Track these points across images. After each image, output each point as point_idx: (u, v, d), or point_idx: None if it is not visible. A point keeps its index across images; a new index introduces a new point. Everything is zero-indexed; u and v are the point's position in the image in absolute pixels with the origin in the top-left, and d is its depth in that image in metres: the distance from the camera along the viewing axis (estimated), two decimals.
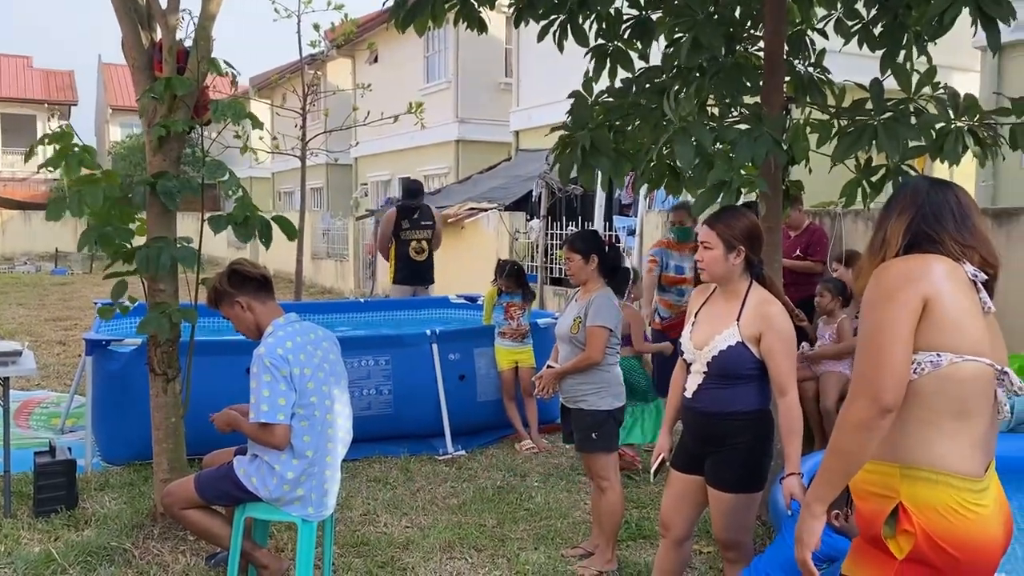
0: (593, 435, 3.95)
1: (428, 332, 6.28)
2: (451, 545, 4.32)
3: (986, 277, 2.04)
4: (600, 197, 8.57)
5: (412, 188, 8.53)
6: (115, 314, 4.24)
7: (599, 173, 4.16)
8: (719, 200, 3.47)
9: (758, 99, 4.33)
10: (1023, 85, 4.09)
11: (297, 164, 9.22)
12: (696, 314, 3.12)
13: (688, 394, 3.06)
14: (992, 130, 3.78)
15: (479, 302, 8.45)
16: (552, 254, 10.45)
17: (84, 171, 3.93)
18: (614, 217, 9.31)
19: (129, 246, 4.04)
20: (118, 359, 5.41)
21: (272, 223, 4.15)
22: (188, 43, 4.21)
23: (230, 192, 3.99)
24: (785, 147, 3.72)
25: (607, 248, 4.12)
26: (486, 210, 11.71)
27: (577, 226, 10.19)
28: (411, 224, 8.28)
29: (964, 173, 8.91)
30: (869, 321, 2.02)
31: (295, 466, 3.43)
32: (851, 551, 2.13)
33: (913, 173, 3.97)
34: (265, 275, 3.68)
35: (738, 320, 2.96)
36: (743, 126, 3.80)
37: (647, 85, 4.40)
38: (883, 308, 1.98)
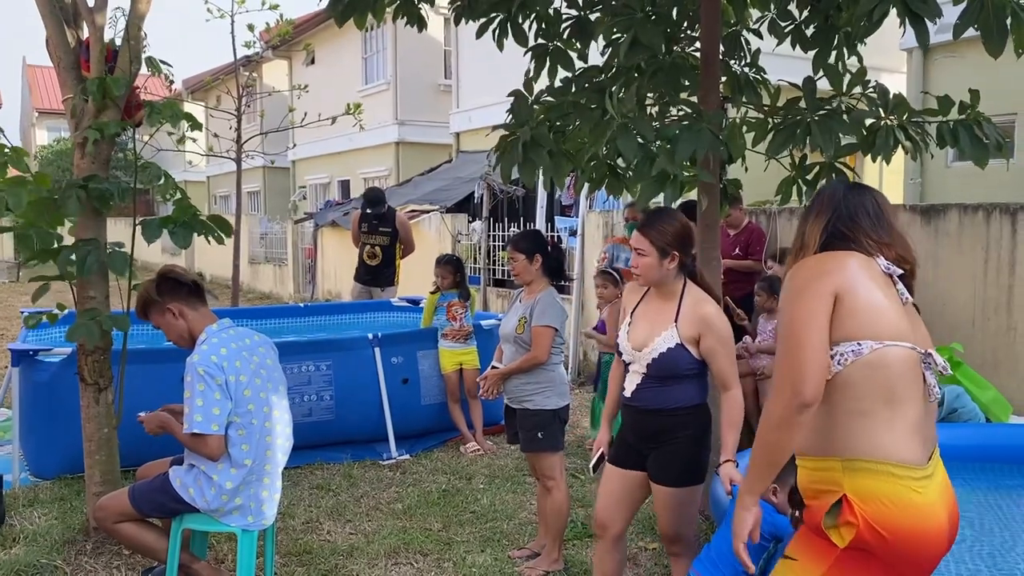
0: (539, 435, 3.94)
1: (370, 336, 6.21)
2: (396, 551, 4.27)
3: (901, 272, 2.08)
4: (541, 197, 8.59)
5: (371, 197, 8.40)
6: (42, 322, 4.09)
7: (540, 171, 4.17)
8: (663, 193, 3.50)
9: (695, 98, 4.37)
10: (946, 86, 4.22)
11: (233, 167, 9.04)
12: (632, 313, 3.13)
13: (627, 393, 3.08)
14: (920, 128, 3.88)
15: (422, 304, 8.39)
16: (495, 256, 10.43)
17: (13, 172, 3.80)
18: (556, 218, 9.33)
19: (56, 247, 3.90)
20: (46, 369, 5.21)
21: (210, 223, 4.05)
22: (117, 43, 4.08)
23: (167, 195, 3.88)
24: (723, 144, 3.76)
25: (551, 248, 4.12)
26: (428, 212, 11.63)
27: (519, 227, 10.18)
28: (369, 228, 8.29)
29: (892, 171, 9.19)
30: (785, 317, 2.05)
31: (234, 475, 3.34)
32: (796, 534, 2.16)
33: (847, 171, 4.07)
34: (196, 281, 3.59)
35: (676, 322, 2.99)
36: (683, 123, 3.83)
37: (586, 85, 4.41)
38: (797, 303, 2.01)
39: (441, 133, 17.06)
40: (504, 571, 4.02)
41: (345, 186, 20.49)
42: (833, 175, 4.09)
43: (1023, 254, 5.10)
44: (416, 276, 10.73)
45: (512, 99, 4.27)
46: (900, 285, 2.06)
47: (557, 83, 4.51)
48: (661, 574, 4.01)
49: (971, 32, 3.32)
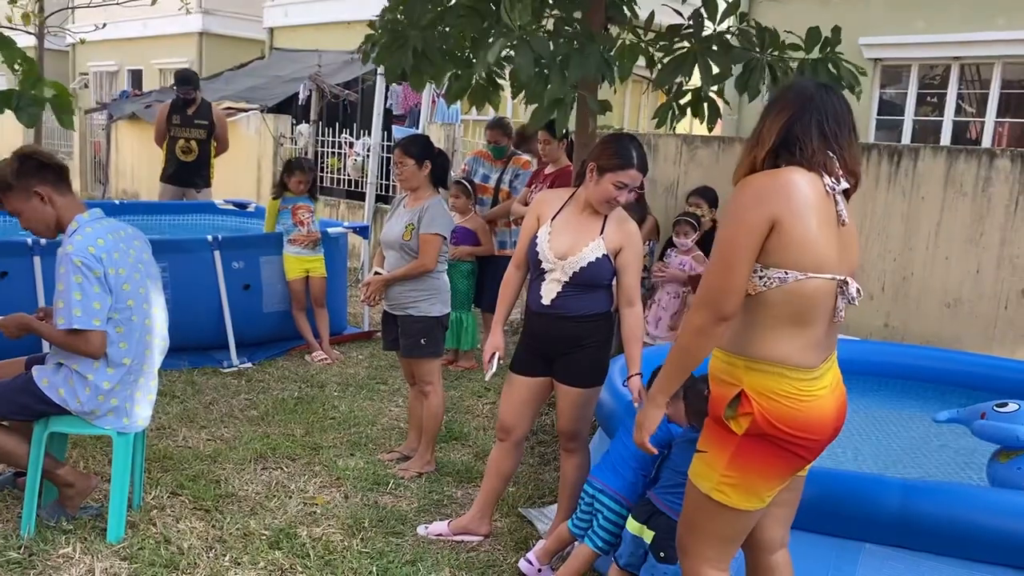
0: (422, 341, 3.96)
1: (209, 238, 5.87)
2: (263, 455, 4.18)
3: (846, 186, 2.22)
4: (378, 104, 8.35)
5: (181, 76, 7.82)
6: None
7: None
8: (554, 116, 3.57)
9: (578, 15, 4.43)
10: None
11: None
12: (551, 222, 3.19)
13: (545, 301, 3.15)
14: (785, 64, 4.18)
15: (249, 208, 7.99)
16: (323, 162, 10.05)
17: None
18: (393, 127, 9.11)
19: None
20: None
21: None
22: None
23: (16, 67, 3.43)
24: (610, 67, 3.86)
25: (438, 154, 4.07)
26: (246, 111, 10.95)
27: (351, 134, 9.86)
28: (182, 120, 7.68)
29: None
30: (723, 235, 2.21)
31: (111, 375, 3.13)
32: (704, 429, 2.39)
33: (719, 100, 4.32)
34: (63, 164, 3.27)
35: (602, 234, 3.11)
36: (574, 43, 3.88)
37: None
38: (735, 227, 2.18)
39: (252, 27, 15.99)
40: (378, 473, 4.06)
41: (137, 76, 18.77)
42: (704, 104, 4.33)
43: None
44: (235, 178, 10.17)
45: None
46: (841, 205, 2.21)
47: None
48: (532, 470, 4.21)
49: None
